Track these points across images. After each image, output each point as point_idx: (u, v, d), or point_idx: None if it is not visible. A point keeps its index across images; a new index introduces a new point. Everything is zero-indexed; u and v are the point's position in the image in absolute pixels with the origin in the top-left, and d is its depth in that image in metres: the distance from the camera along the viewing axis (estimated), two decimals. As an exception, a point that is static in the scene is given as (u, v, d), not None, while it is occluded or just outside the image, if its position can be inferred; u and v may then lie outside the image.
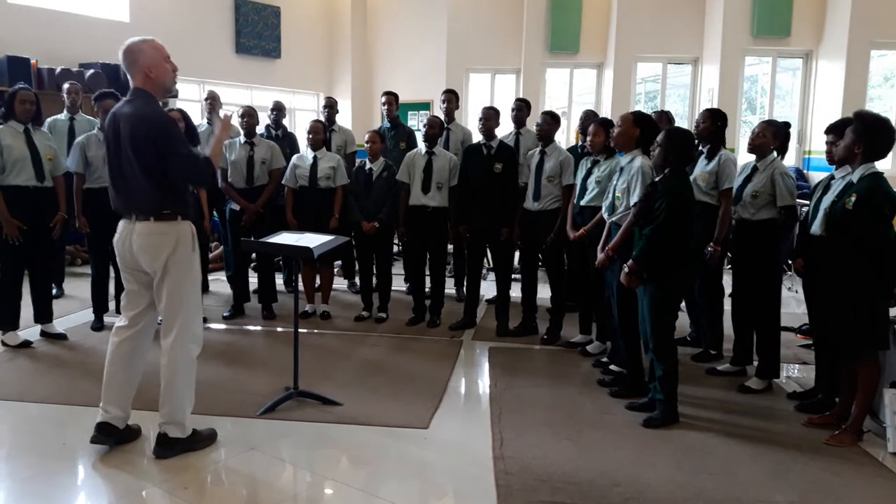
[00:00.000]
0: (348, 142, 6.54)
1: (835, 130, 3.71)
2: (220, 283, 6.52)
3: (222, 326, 5.35)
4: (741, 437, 3.47)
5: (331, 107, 6.53)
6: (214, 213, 5.99)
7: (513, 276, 5.36)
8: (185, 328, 3.05)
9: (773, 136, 4.15)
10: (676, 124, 5.40)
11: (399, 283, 6.32)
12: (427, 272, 5.53)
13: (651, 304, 3.58)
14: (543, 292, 5.28)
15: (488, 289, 5.93)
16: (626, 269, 3.61)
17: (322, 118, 6.36)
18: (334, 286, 5.94)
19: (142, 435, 3.25)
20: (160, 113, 3.02)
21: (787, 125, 4.30)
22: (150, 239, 2.96)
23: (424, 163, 5.26)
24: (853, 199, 3.27)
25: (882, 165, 3.39)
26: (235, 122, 5.25)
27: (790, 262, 4.06)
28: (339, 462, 3.27)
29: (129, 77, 3.02)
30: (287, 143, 6.25)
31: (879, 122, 3.34)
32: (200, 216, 5.26)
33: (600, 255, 4.06)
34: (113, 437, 3.11)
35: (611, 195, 4.07)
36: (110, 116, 3.03)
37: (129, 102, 2.98)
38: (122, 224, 3.05)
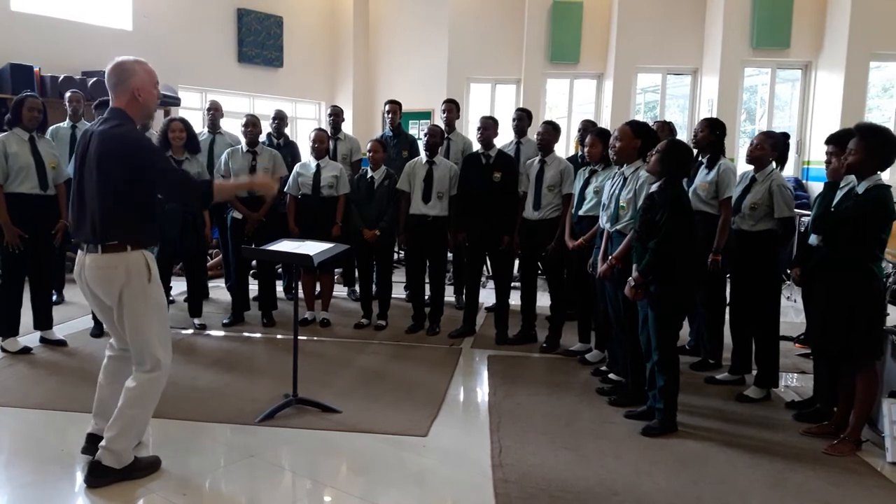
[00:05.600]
0: (354, 150, 6.58)
1: (836, 141, 3.71)
2: (219, 290, 6.54)
3: (222, 334, 5.36)
4: (739, 447, 3.47)
5: (336, 115, 6.58)
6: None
7: (512, 284, 5.38)
8: (158, 363, 2.91)
9: (771, 148, 4.16)
10: (677, 136, 5.42)
11: (399, 291, 6.33)
12: (427, 280, 5.54)
13: (657, 317, 3.58)
14: (543, 300, 5.29)
15: (488, 297, 5.95)
16: (630, 283, 3.62)
17: (327, 126, 6.40)
18: (334, 293, 5.96)
19: (141, 443, 3.24)
20: (139, 133, 2.89)
21: (785, 136, 4.31)
22: (101, 273, 2.83)
23: (425, 172, 5.28)
24: (856, 208, 3.27)
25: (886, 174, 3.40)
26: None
27: (789, 271, 4.07)
28: (339, 469, 3.27)
29: (111, 95, 2.88)
30: (288, 151, 6.28)
31: (888, 134, 3.33)
32: (202, 223, 5.29)
33: (602, 266, 4.06)
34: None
35: (613, 204, 4.07)
36: (84, 135, 2.91)
37: (107, 121, 2.84)
38: (78, 255, 2.92)
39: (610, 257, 4.00)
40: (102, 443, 2.92)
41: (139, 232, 2.87)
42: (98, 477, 2.91)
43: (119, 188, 2.78)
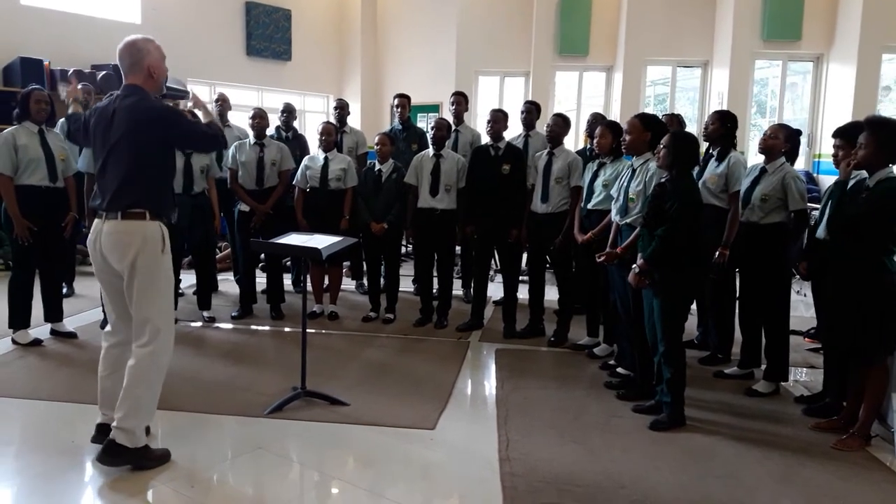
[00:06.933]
0: (359, 143, 6.58)
1: (843, 135, 3.68)
2: (228, 283, 6.56)
3: (230, 326, 5.38)
4: (748, 441, 3.46)
5: (342, 108, 6.58)
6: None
7: (520, 277, 5.37)
8: (157, 334, 2.93)
9: (784, 139, 4.13)
10: (686, 128, 5.38)
11: (407, 285, 6.34)
12: (435, 273, 5.54)
13: (662, 308, 3.57)
14: (551, 294, 5.28)
15: (495, 290, 5.94)
16: (635, 269, 3.61)
17: (333, 120, 6.40)
18: (342, 287, 5.97)
19: (150, 435, 3.26)
20: (163, 103, 3.08)
21: (798, 132, 4.28)
22: (118, 238, 2.89)
23: (432, 165, 5.27)
24: (869, 201, 3.24)
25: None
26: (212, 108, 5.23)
27: (798, 265, 4.04)
28: (346, 462, 3.28)
29: (123, 72, 2.97)
30: (297, 144, 6.29)
31: None
32: (211, 216, 5.31)
33: (608, 251, 4.05)
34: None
35: (622, 197, 4.05)
36: (103, 110, 2.98)
37: (129, 96, 2.93)
38: (94, 224, 2.99)
39: (618, 248, 3.99)
40: (114, 423, 2.94)
41: (159, 202, 2.98)
42: (112, 456, 2.93)
43: (151, 156, 2.93)
